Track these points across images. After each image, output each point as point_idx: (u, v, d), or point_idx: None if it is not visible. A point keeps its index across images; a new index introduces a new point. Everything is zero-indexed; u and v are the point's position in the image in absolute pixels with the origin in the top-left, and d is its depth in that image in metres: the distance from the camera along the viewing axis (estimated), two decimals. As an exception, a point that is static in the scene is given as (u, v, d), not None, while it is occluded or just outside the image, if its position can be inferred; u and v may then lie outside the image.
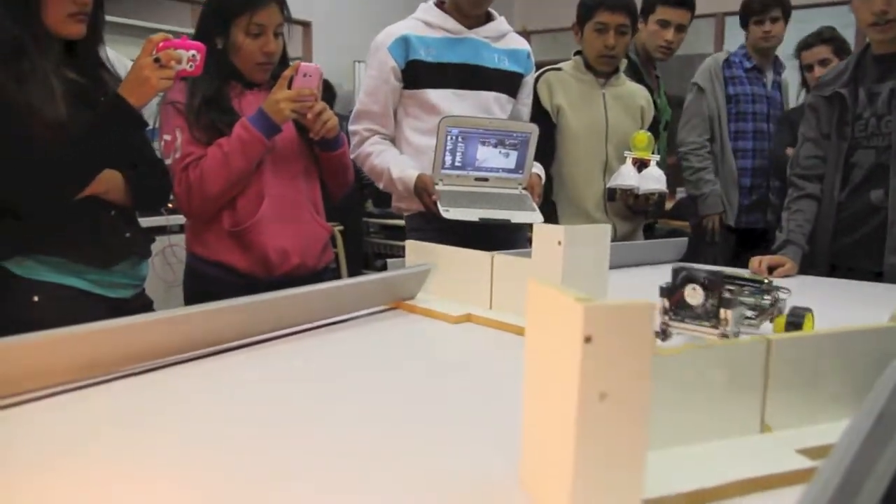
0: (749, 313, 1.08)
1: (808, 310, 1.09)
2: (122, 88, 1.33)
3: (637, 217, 2.28)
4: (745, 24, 2.82)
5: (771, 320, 1.09)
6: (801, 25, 3.31)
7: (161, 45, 1.33)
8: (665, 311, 0.99)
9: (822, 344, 0.74)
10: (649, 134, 2.13)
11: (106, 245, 1.40)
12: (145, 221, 1.59)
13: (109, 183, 1.39)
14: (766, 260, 1.83)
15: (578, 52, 2.27)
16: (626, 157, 2.12)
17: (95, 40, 1.44)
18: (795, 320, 1.08)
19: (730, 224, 2.83)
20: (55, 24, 1.32)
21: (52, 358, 0.84)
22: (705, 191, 2.80)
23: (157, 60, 1.32)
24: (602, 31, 2.15)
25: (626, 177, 2.09)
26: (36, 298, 1.33)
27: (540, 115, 2.17)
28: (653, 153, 2.12)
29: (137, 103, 1.33)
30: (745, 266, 1.84)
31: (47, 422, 0.77)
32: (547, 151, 2.17)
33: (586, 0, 2.20)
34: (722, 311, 0.95)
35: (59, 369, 0.85)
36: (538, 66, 2.19)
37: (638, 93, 2.31)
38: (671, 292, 0.99)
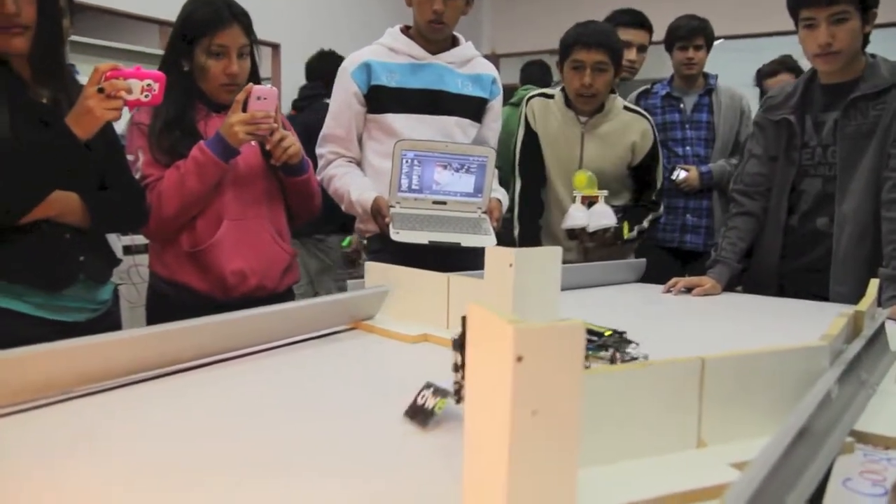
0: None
1: None
2: (69, 117, 1.29)
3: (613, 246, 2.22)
4: (669, 49, 2.79)
5: None
6: (758, 55, 3.40)
7: (108, 74, 1.29)
8: (457, 368, 0.75)
9: (753, 362, 0.77)
10: (589, 173, 2.08)
11: (52, 269, 1.37)
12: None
13: (63, 206, 1.36)
14: (684, 281, 1.88)
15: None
16: (575, 198, 2.09)
17: (56, 59, 1.40)
18: None
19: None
20: None
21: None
22: None
23: (100, 90, 1.28)
24: (579, 69, 2.10)
25: (576, 217, 2.06)
26: None
27: (530, 137, 2.20)
28: (599, 189, 2.08)
29: (83, 134, 1.28)
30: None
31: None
32: (538, 173, 2.21)
33: (565, 37, 2.15)
34: None
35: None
36: (507, 89, 2.20)
37: (633, 125, 2.21)
38: (463, 345, 0.72)
